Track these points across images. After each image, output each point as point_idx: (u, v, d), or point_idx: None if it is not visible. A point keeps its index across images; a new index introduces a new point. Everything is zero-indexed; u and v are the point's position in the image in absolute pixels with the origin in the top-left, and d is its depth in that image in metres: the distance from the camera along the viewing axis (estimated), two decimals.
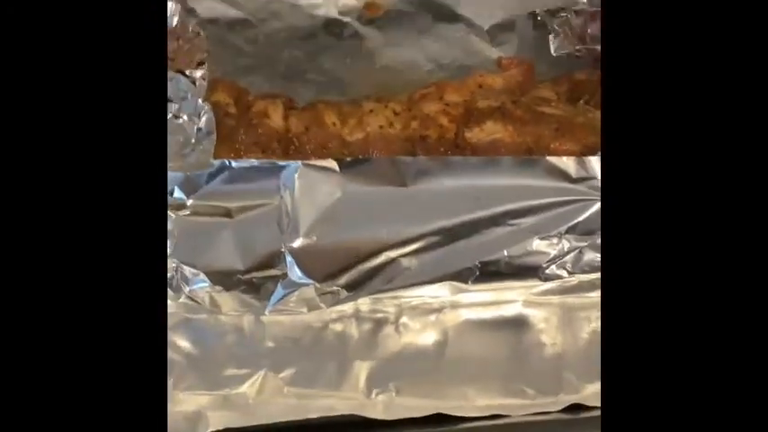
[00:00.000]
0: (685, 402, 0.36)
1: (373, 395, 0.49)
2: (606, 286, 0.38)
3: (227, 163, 0.51)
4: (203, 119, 0.53)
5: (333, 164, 0.51)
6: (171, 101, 0.55)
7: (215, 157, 0.52)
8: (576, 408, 0.49)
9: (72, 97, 0.38)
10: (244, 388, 0.50)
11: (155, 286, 0.38)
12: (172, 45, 0.58)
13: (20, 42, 0.38)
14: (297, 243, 0.50)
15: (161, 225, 0.46)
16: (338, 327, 0.51)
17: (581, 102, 0.60)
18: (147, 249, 0.38)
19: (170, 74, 0.56)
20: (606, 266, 0.39)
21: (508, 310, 0.51)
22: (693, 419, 0.36)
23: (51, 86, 0.38)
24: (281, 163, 0.51)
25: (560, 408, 0.49)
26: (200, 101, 0.54)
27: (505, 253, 0.50)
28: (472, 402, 0.49)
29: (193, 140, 0.53)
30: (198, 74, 0.55)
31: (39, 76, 0.38)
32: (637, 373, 0.36)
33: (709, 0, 0.39)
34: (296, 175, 0.50)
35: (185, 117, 0.54)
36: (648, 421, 0.36)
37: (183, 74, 0.56)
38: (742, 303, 0.36)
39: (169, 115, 0.54)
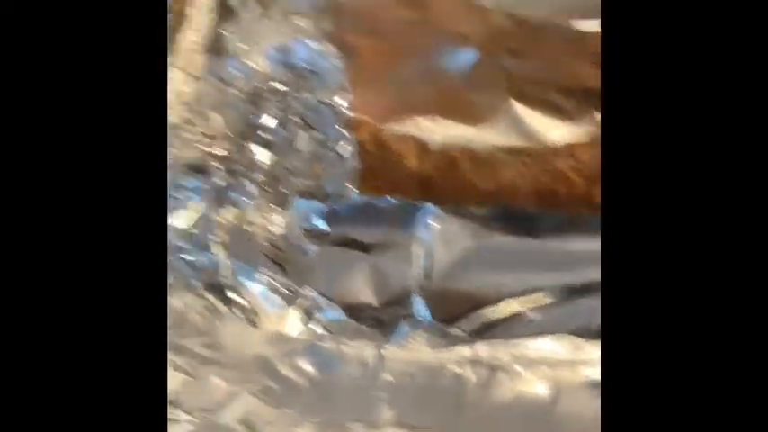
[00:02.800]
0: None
1: None
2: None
3: (369, 199, 0.53)
4: (348, 149, 0.56)
5: (469, 210, 0.52)
6: (314, 128, 0.57)
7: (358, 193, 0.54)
8: None
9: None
10: (359, 416, 0.51)
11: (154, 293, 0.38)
12: None
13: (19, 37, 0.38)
14: (427, 284, 0.52)
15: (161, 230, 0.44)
16: (456, 369, 0.53)
17: None
18: (147, 255, 0.38)
19: (311, 101, 0.58)
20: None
21: None
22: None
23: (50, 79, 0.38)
24: (420, 204, 0.53)
25: None
26: (343, 130, 0.56)
27: None
28: None
29: (336, 170, 0.55)
30: (338, 101, 0.57)
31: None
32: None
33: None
34: (432, 219, 0.52)
35: (328, 145, 0.56)
36: None
37: (323, 102, 0.58)
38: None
39: (314, 143, 0.56)
